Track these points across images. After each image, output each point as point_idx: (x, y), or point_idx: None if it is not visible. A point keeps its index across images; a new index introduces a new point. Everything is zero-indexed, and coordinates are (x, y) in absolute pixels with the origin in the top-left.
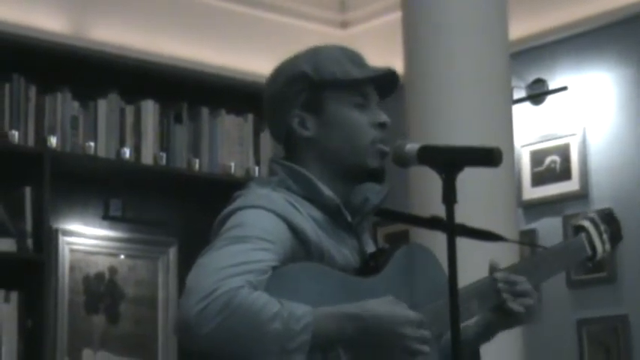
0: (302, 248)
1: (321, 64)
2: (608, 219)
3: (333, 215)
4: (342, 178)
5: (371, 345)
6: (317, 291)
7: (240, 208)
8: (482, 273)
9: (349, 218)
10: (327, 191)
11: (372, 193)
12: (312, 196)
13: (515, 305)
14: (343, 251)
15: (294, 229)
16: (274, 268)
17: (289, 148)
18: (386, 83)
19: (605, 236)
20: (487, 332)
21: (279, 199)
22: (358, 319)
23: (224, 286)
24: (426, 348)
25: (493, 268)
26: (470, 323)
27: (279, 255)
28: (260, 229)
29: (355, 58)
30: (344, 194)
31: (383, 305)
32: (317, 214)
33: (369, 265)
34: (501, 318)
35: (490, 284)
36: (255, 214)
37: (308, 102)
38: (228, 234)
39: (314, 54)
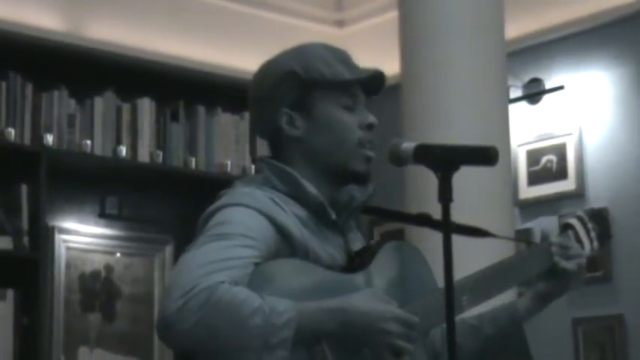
0: (286, 246)
1: (311, 63)
2: (597, 217)
3: (318, 213)
4: (327, 178)
5: (355, 340)
6: (301, 287)
7: (223, 206)
8: (475, 269)
9: (333, 216)
10: (311, 189)
11: (358, 191)
12: (296, 195)
13: (568, 264)
14: (328, 249)
15: (277, 227)
16: (257, 264)
17: (275, 147)
18: (373, 84)
19: (593, 234)
20: (538, 303)
21: (262, 197)
22: (342, 313)
23: (204, 282)
24: (409, 346)
25: (545, 236)
26: (512, 300)
27: (262, 252)
28: (243, 226)
29: (343, 58)
30: (329, 193)
31: (367, 300)
32: (301, 212)
33: (355, 263)
34: (551, 284)
35: (545, 248)
36: (238, 211)
37: (297, 101)
38: (211, 232)
39: (302, 53)
